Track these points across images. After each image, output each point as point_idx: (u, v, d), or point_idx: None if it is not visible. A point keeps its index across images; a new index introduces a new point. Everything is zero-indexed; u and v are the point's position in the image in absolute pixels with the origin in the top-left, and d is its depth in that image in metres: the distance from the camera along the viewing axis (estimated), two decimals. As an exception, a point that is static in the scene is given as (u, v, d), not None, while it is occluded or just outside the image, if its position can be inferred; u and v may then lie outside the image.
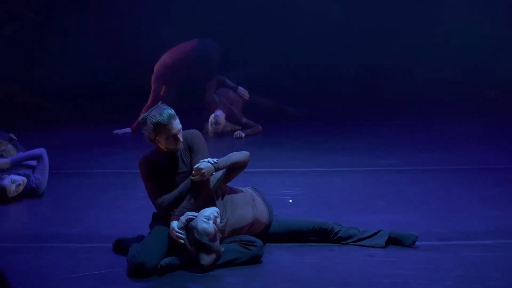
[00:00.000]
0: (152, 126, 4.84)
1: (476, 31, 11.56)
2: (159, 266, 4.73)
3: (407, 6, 11.75)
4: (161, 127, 4.83)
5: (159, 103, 5.02)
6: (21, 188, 6.45)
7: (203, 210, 4.86)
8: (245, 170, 7.40)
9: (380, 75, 11.84)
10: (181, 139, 4.91)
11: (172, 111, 4.89)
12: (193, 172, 4.87)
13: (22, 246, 5.32)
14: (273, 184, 6.94)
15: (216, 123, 9.45)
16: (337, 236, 5.22)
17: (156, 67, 9.63)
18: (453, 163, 7.79)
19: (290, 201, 6.41)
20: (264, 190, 6.74)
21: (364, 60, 11.88)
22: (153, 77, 9.58)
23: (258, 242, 4.95)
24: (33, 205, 6.47)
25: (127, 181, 7.16)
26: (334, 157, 8.18)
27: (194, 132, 5.10)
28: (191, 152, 5.03)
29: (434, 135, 9.25)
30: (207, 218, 4.77)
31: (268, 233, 5.24)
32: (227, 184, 5.26)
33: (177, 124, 4.88)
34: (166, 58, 9.63)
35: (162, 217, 4.98)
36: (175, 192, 4.94)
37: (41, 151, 6.75)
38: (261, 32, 11.74)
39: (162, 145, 4.93)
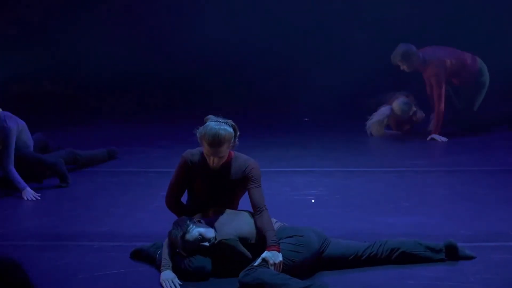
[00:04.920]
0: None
1: None
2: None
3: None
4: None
5: None
6: None
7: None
8: (271, 169, 7.41)
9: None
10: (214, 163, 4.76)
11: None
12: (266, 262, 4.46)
13: (47, 244, 5.35)
14: (298, 184, 6.93)
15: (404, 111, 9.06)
16: (396, 253, 4.79)
17: (438, 63, 8.95)
18: (480, 164, 7.72)
19: (313, 201, 6.39)
20: (289, 189, 6.75)
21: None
22: (434, 71, 8.93)
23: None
24: (58, 204, 6.51)
25: (152, 180, 7.18)
26: (359, 157, 8.15)
27: (255, 164, 4.88)
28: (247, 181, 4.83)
29: (461, 137, 9.19)
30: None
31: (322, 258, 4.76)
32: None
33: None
34: (445, 56, 9.02)
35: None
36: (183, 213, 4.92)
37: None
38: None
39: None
